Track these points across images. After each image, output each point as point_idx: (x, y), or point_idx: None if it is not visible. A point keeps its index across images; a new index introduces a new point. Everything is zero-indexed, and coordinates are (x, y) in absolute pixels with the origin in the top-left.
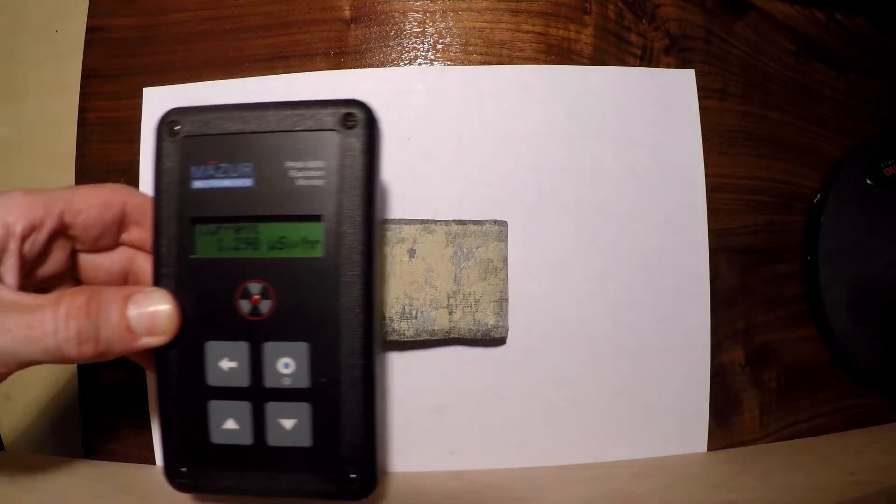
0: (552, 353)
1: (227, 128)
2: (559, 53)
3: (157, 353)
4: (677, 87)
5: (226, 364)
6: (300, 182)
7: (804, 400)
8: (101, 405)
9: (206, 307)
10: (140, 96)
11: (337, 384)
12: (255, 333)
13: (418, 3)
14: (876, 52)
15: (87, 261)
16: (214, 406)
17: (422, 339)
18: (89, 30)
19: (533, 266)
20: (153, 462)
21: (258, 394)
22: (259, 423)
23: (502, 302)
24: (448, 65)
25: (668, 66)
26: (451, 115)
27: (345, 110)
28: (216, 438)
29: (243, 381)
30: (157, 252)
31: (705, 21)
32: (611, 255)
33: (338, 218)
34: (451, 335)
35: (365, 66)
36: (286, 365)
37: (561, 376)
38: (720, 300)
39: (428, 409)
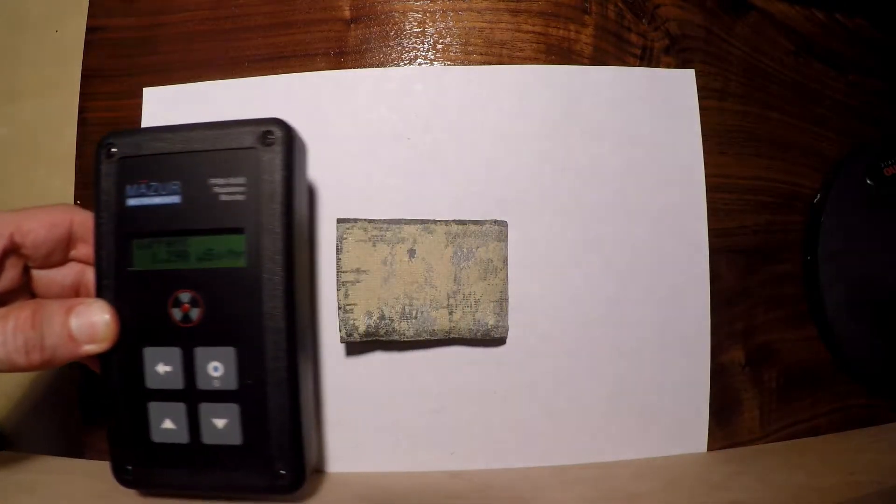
0: (552, 353)
1: (157, 148)
2: (559, 53)
3: (100, 358)
4: (677, 87)
5: (162, 368)
6: (223, 197)
7: (804, 400)
8: (101, 405)
9: (143, 315)
10: (140, 96)
11: (263, 386)
12: (187, 339)
13: (418, 3)
14: (876, 52)
15: (41, 276)
16: (153, 407)
17: (422, 339)
18: (89, 30)
19: (533, 266)
20: None
21: (192, 395)
22: (194, 423)
23: (502, 302)
24: (448, 65)
25: (668, 66)
26: (451, 115)
27: (263, 129)
28: (156, 437)
29: (178, 383)
30: (98, 265)
31: (705, 21)
32: (611, 255)
33: (258, 230)
34: (451, 335)
35: (365, 66)
36: (216, 368)
37: (561, 376)
38: (720, 300)
39: (428, 409)
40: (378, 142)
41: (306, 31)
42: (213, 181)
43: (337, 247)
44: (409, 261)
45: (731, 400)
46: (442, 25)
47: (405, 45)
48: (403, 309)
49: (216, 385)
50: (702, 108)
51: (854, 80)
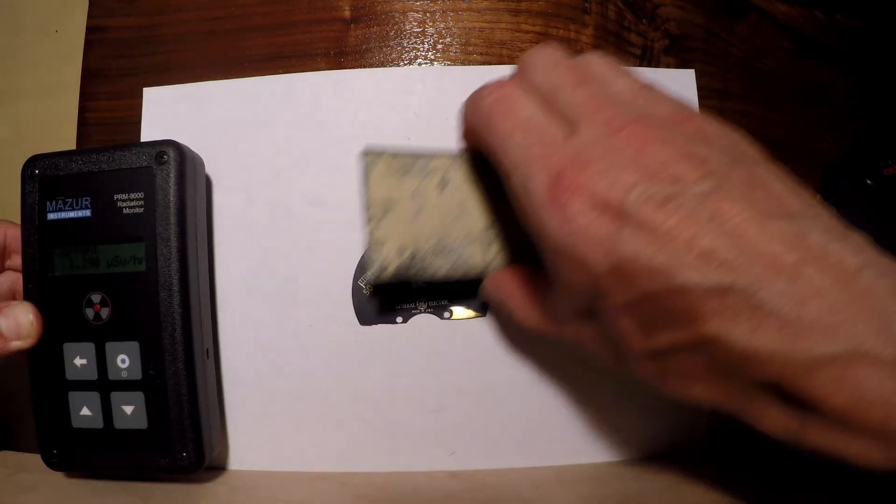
0: (552, 353)
1: (70, 169)
2: None
3: (28, 354)
4: (677, 87)
5: (78, 361)
6: (126, 210)
7: None
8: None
9: (62, 315)
10: (140, 96)
11: (163, 376)
12: (99, 335)
13: (418, 3)
14: (876, 52)
15: None
16: (73, 396)
17: (457, 274)
18: (89, 30)
19: None
20: None
21: (104, 385)
22: (107, 410)
23: None
24: (448, 65)
25: (668, 66)
26: (451, 115)
27: (158, 149)
28: (76, 424)
29: (92, 374)
30: (24, 272)
31: (705, 21)
32: None
33: (155, 238)
34: (489, 271)
35: (365, 66)
36: (123, 360)
37: (561, 376)
38: None
39: (428, 409)
40: (378, 142)
41: (306, 31)
42: (118, 196)
43: (363, 179)
44: (440, 193)
45: None
46: (442, 25)
47: (405, 45)
48: (436, 244)
49: (124, 375)
50: (702, 108)
51: (854, 80)
